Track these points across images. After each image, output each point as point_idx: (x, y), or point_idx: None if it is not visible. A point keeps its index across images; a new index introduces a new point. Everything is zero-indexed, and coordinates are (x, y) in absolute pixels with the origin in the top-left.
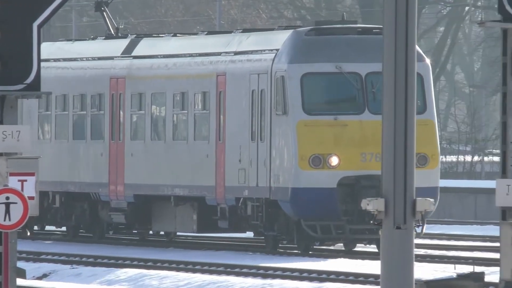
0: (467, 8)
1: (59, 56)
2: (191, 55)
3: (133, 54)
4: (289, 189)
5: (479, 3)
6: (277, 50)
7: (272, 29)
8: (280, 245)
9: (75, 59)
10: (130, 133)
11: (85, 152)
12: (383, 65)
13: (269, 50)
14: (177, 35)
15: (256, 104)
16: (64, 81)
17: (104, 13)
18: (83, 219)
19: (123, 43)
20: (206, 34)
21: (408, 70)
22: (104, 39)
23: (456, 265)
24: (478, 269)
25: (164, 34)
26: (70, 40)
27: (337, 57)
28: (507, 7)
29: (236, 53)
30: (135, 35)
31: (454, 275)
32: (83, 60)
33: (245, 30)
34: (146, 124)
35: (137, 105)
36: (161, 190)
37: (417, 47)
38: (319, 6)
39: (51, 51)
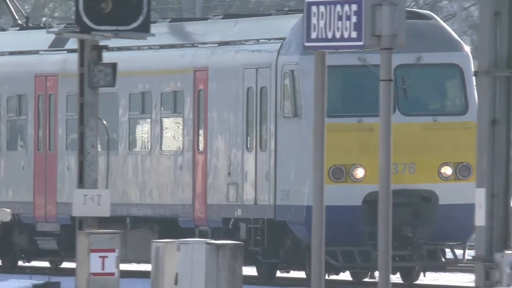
0: None
1: None
2: (151, 47)
3: (67, 47)
4: (304, 207)
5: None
6: (283, 39)
7: (268, 15)
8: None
9: None
10: (65, 142)
11: None
12: None
13: (270, 39)
14: None
15: (253, 105)
16: None
17: (8, 0)
18: None
19: (49, 35)
20: (169, 22)
21: None
22: (19, 30)
23: None
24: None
25: None
26: None
27: None
28: (84, 18)
29: (221, 44)
30: (64, 25)
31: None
32: None
33: (226, 16)
34: None
35: (75, 108)
36: (111, 211)
37: (455, 35)
38: None
39: None
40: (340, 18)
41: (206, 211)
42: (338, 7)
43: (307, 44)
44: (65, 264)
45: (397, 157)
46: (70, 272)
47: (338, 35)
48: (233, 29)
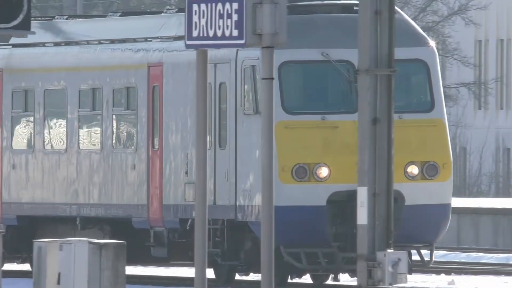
0: None
1: None
2: (100, 42)
3: (12, 41)
4: None
5: None
6: None
7: None
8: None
9: None
10: (11, 140)
11: None
12: None
13: None
14: (71, 18)
15: (212, 102)
16: None
17: None
18: None
19: None
20: (120, 16)
21: None
22: None
23: None
24: None
25: (54, 16)
26: None
27: (323, 41)
28: None
29: (176, 38)
30: None
31: None
32: None
33: (181, 10)
34: (37, 128)
35: (22, 105)
36: (61, 211)
37: (420, 30)
38: None
39: None
40: (221, 16)
41: (161, 211)
42: (219, 6)
43: (188, 42)
44: (6, 266)
45: None
46: (11, 274)
47: (219, 33)
48: None
